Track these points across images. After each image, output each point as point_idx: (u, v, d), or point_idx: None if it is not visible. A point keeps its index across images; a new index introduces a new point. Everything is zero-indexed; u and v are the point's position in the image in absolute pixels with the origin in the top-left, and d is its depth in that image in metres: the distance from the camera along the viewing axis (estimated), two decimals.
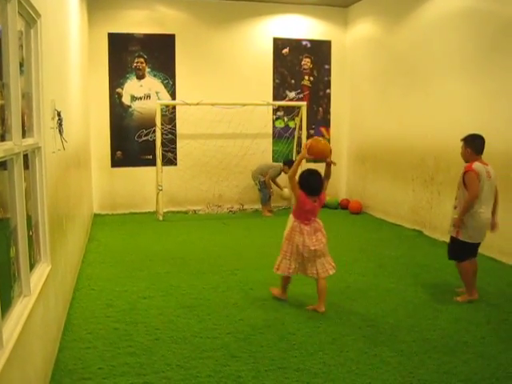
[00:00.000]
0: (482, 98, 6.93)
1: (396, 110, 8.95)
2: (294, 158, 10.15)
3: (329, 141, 10.67)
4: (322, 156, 4.87)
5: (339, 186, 10.79)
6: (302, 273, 4.90)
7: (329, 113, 10.71)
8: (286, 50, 10.32)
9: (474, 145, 5.01)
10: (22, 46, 3.21)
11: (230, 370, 3.65)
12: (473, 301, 5.07)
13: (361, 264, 6.48)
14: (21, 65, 3.16)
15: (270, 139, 10.36)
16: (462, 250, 5.10)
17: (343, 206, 10.32)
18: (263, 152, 10.19)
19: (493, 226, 5.09)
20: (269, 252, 6.92)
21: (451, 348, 4.09)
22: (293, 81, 10.43)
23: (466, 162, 5.05)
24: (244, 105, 9.45)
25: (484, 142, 5.01)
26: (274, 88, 10.32)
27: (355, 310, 4.90)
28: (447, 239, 5.38)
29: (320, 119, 10.67)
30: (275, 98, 10.27)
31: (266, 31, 10.17)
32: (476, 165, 4.91)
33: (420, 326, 4.51)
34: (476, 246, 5.13)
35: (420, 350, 4.05)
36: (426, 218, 8.19)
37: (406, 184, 8.69)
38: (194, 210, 9.83)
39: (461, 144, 5.14)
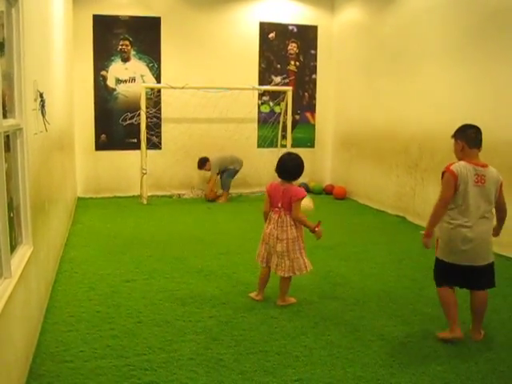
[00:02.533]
0: (466, 85, 6.95)
1: (381, 96, 8.97)
2: (278, 144, 10.17)
3: (314, 126, 10.70)
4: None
5: (324, 172, 10.83)
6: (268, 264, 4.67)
7: (314, 98, 10.70)
8: (272, 35, 10.28)
9: (465, 136, 3.94)
10: (2, 25, 3.17)
11: (211, 353, 3.67)
12: (456, 339, 3.93)
13: (344, 249, 6.52)
14: (2, 45, 3.12)
15: (256, 124, 10.34)
16: (436, 270, 4.11)
17: (328, 191, 10.36)
18: (248, 137, 10.17)
19: (494, 233, 4.05)
20: (252, 236, 6.93)
21: (432, 333, 4.13)
22: (279, 65, 10.40)
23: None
24: (229, 89, 9.40)
25: (479, 133, 3.96)
26: (260, 72, 10.28)
27: (337, 294, 4.93)
28: None
29: (305, 104, 10.66)
30: (261, 82, 10.24)
31: (252, 15, 10.11)
32: (458, 165, 3.88)
33: (402, 311, 4.55)
34: (457, 268, 3.94)
35: (401, 334, 4.09)
36: (409, 204, 8.24)
37: (390, 170, 8.74)
38: (179, 194, 9.82)
39: (452, 141, 4.07)
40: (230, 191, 9.72)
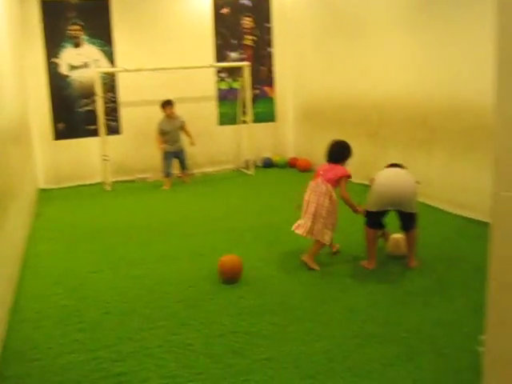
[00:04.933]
0: (418, 51, 6.99)
1: (339, 67, 8.96)
2: (240, 119, 10.14)
3: (274, 100, 10.66)
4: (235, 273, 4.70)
5: (287, 145, 10.84)
6: None
7: (272, 72, 10.65)
8: (225, 10, 10.15)
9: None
10: None
11: (180, 339, 3.68)
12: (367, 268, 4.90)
13: None
14: None
15: (215, 102, 10.26)
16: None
17: (292, 164, 10.37)
18: (208, 116, 10.11)
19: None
20: (217, 216, 6.96)
21: (398, 299, 4.21)
22: (234, 41, 10.30)
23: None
24: (185, 68, 9.29)
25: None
26: (216, 49, 10.16)
27: (304, 268, 4.97)
28: None
29: (264, 78, 10.60)
30: (218, 59, 10.13)
31: None
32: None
33: (370, 280, 4.62)
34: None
35: (368, 303, 4.15)
36: (372, 172, 8.28)
37: (352, 140, 8.55)
38: (142, 178, 9.73)
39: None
40: (195, 170, 9.69)
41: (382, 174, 4.95)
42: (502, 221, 1.61)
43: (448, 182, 6.69)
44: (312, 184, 5.11)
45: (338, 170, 5.11)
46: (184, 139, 9.30)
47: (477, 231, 5.82)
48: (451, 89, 6.48)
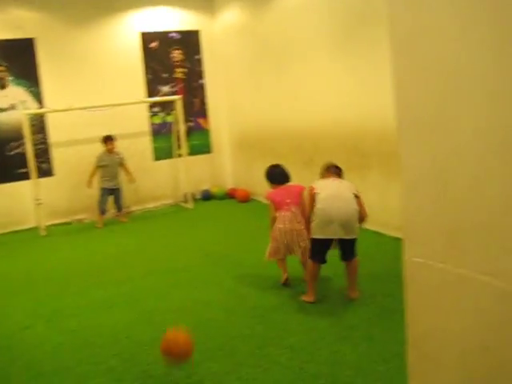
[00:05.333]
0: (347, 76, 7.09)
1: (271, 95, 8.99)
2: (174, 154, 10.03)
3: (209, 132, 10.61)
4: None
5: (225, 176, 10.76)
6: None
7: (206, 103, 10.60)
8: (154, 44, 10.08)
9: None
10: None
11: None
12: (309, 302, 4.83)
13: (253, 254, 6.47)
14: None
15: (149, 137, 10.11)
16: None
17: (231, 195, 10.30)
18: (143, 151, 9.94)
19: None
20: (154, 257, 6.80)
21: (341, 334, 4.16)
22: (165, 74, 10.21)
23: None
24: (116, 105, 9.14)
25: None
26: (147, 84, 10.05)
27: (244, 302, 4.87)
28: None
29: (197, 110, 10.53)
30: (149, 93, 10.01)
31: (131, 27, 9.85)
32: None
33: (311, 315, 4.56)
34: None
35: (310, 341, 4.09)
36: None
37: (288, 168, 8.77)
38: (79, 220, 9.46)
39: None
40: (133, 207, 9.51)
41: (322, 192, 4.72)
42: (415, 288, 1.56)
43: (384, 205, 6.74)
44: (287, 215, 5.12)
45: (296, 187, 5.35)
46: (122, 177, 9.13)
47: None
48: (381, 112, 6.56)
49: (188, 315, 4.74)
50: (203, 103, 10.57)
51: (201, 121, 10.57)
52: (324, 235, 4.67)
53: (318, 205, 4.66)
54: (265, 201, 9.53)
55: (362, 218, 4.74)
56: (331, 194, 4.68)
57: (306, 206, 4.90)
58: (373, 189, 6.92)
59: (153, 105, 10.07)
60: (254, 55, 9.34)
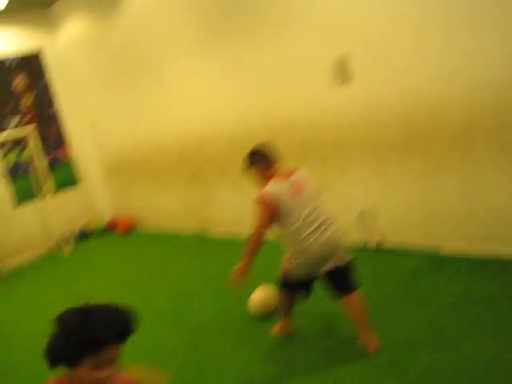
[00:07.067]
0: (220, 73, 6.26)
1: (137, 111, 7.94)
2: (40, 192, 8.72)
3: (73, 162, 9.36)
4: None
5: (101, 208, 9.57)
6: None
7: (63, 131, 9.33)
8: None
9: (257, 160, 3.62)
10: None
11: None
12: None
13: (153, 297, 5.45)
14: None
15: (4, 180, 8.69)
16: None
17: (111, 228, 9.12)
18: (1, 198, 8.51)
19: None
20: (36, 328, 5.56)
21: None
22: (10, 106, 8.83)
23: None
24: None
25: (267, 150, 3.64)
26: None
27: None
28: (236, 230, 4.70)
29: (56, 140, 9.23)
30: None
31: None
32: (269, 188, 3.42)
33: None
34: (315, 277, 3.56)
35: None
36: (205, 214, 7.40)
37: (171, 185, 7.82)
38: None
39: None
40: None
41: (291, 215, 3.38)
42: None
43: None
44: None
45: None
46: None
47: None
48: (264, 108, 5.82)
49: None
50: (61, 132, 9.29)
51: (62, 152, 9.28)
52: (311, 275, 3.50)
53: (296, 239, 3.39)
54: (153, 226, 8.48)
55: None
56: (309, 220, 3.38)
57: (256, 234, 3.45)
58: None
59: (2, 144, 8.64)
60: (109, 69, 8.25)
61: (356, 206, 5.25)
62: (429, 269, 4.41)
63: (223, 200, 6.89)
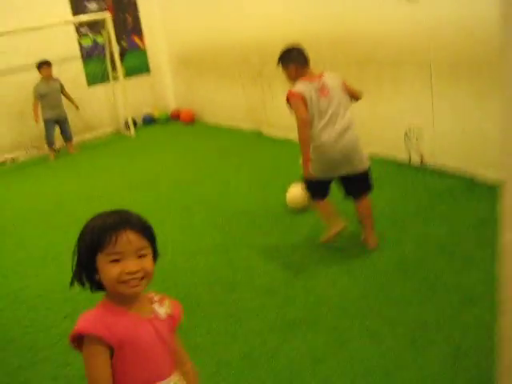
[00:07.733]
0: None
1: (212, 7, 8.16)
2: (109, 77, 9.24)
3: (145, 51, 9.76)
4: None
5: (167, 98, 10.03)
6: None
7: (139, 21, 9.67)
8: None
9: (291, 59, 3.76)
10: None
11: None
12: (338, 232, 3.94)
13: (204, 181, 6.04)
14: None
15: (80, 61, 9.19)
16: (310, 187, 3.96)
17: (174, 117, 9.64)
18: (75, 78, 9.03)
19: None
20: (99, 195, 6.20)
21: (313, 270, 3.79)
22: None
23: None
24: (36, 29, 8.08)
25: (302, 51, 3.78)
26: (72, 2, 9.02)
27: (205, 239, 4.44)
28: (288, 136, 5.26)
29: (131, 28, 9.60)
30: (75, 12, 8.98)
31: None
32: (298, 86, 3.66)
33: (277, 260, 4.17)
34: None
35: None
36: (261, 116, 7.78)
37: (235, 83, 8.16)
38: (12, 158, 8.65)
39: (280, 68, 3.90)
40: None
41: (314, 113, 3.64)
42: None
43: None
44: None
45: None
46: (66, 105, 8.40)
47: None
48: (335, 15, 5.99)
49: None
50: (137, 20, 9.65)
51: (136, 39, 9.69)
52: (327, 176, 3.81)
53: (315, 136, 3.67)
54: (212, 121, 8.96)
55: (357, 98, 3.87)
56: (328, 120, 3.65)
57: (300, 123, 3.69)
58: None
59: (80, 25, 9.09)
60: None
61: (404, 123, 5.52)
62: (461, 191, 4.72)
63: (280, 105, 7.19)
